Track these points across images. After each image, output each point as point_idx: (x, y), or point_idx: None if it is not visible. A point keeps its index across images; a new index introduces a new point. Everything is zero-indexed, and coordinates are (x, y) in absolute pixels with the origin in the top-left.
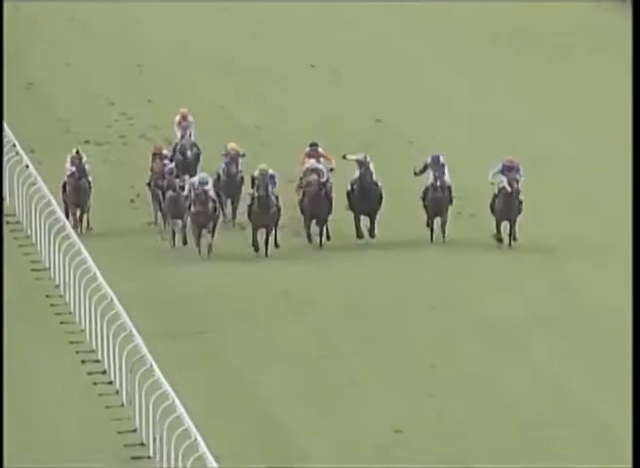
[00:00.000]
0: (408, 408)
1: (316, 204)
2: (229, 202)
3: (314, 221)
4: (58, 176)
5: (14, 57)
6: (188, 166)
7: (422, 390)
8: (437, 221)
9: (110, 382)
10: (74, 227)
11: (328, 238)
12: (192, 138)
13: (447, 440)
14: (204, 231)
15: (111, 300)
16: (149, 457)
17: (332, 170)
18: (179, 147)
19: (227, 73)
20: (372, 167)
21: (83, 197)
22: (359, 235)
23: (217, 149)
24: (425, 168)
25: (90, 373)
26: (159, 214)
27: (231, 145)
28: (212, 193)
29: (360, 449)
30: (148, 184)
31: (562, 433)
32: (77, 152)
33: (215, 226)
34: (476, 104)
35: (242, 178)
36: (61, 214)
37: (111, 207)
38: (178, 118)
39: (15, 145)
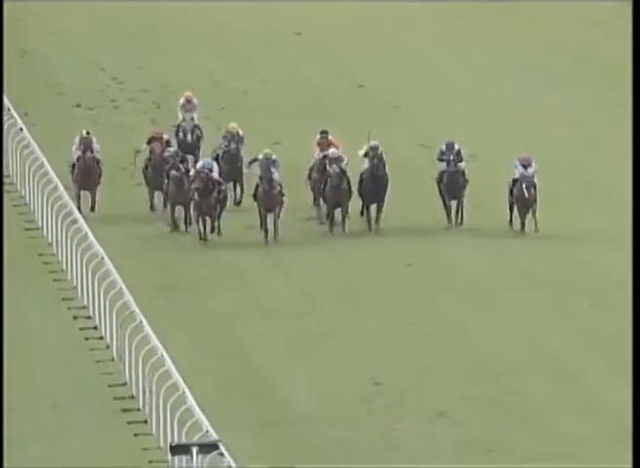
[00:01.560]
0: (387, 361)
1: (337, 194)
2: (232, 185)
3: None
4: (50, 138)
5: (8, 25)
6: (190, 147)
7: (401, 344)
8: (453, 205)
9: (101, 337)
10: (79, 210)
11: (348, 218)
12: (195, 121)
13: (425, 392)
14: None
15: (102, 258)
16: (139, 409)
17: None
18: (181, 129)
19: (216, 40)
20: (384, 156)
21: (92, 180)
22: (369, 222)
23: (207, 114)
24: (442, 155)
25: (82, 329)
26: (155, 199)
27: (232, 125)
28: (215, 176)
29: (341, 401)
30: (144, 169)
31: (536, 384)
32: (88, 133)
33: (220, 213)
34: (459, 70)
35: (242, 159)
36: (54, 175)
37: (104, 175)
38: (182, 101)
39: (9, 109)
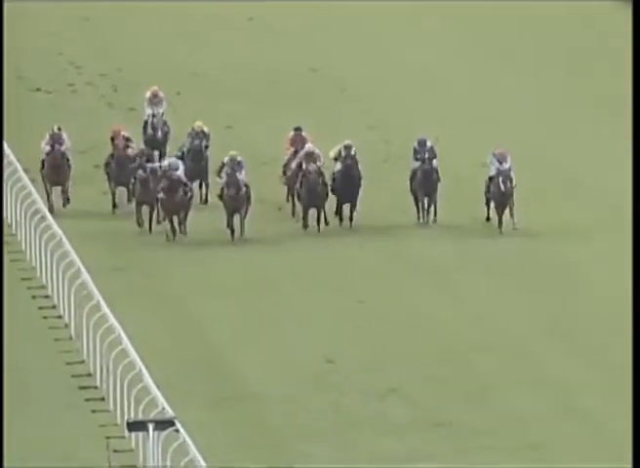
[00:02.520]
0: (339, 340)
1: (314, 193)
2: (197, 183)
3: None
4: (9, 121)
5: None
6: (158, 143)
7: (353, 324)
8: (426, 201)
9: (59, 316)
10: (50, 210)
11: (326, 223)
12: (163, 117)
13: (376, 369)
14: (174, 218)
15: (60, 239)
16: (96, 387)
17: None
18: (149, 125)
19: (171, 24)
20: (353, 151)
21: (62, 175)
22: (341, 220)
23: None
24: (416, 153)
25: (40, 308)
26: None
27: (197, 124)
28: (182, 178)
29: (294, 378)
30: (106, 165)
31: (485, 361)
32: (59, 129)
33: (186, 213)
34: (419, 56)
35: (208, 158)
36: (14, 158)
37: None
38: (148, 95)
39: None
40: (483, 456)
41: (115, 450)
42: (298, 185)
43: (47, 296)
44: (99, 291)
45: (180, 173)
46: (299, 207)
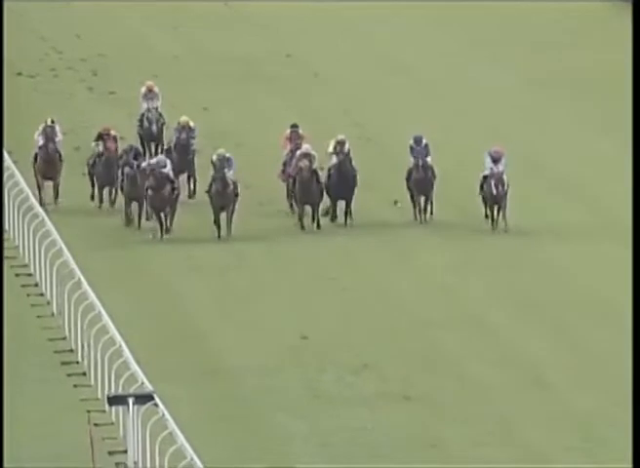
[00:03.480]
0: (314, 316)
1: (308, 190)
2: (184, 177)
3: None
4: None
5: None
6: (154, 137)
7: (327, 301)
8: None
9: (42, 294)
10: (41, 204)
11: (318, 225)
12: (158, 110)
13: (350, 345)
14: (162, 214)
15: (42, 219)
16: (78, 362)
17: None
18: (145, 119)
19: (149, 9)
20: (347, 147)
21: (54, 169)
22: (333, 217)
23: (141, 80)
24: (412, 150)
25: (23, 286)
26: (102, 192)
27: (183, 118)
28: (170, 174)
29: (270, 353)
30: (92, 165)
31: (454, 337)
32: (52, 122)
33: (173, 210)
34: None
35: (194, 152)
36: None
37: None
38: (144, 90)
39: None
40: (450, 428)
41: (96, 424)
42: (291, 183)
43: (29, 275)
44: (79, 269)
45: (168, 170)
46: (295, 206)
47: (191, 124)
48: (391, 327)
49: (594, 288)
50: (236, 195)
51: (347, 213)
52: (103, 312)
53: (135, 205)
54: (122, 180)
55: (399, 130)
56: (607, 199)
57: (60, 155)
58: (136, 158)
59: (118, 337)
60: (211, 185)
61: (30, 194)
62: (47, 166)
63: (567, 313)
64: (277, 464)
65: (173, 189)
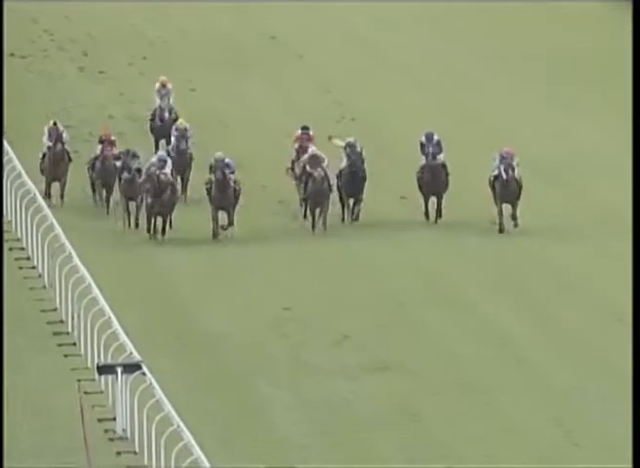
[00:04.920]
0: (296, 289)
1: (320, 197)
2: (179, 178)
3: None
4: None
5: None
6: (166, 132)
7: (310, 275)
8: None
9: (34, 267)
10: (49, 201)
11: (325, 225)
12: (171, 106)
13: (331, 317)
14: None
15: (34, 195)
16: (68, 333)
17: None
18: (158, 113)
19: None
20: (363, 151)
21: (61, 170)
22: (344, 216)
23: (130, 61)
24: (423, 147)
25: (16, 259)
26: (104, 197)
27: (180, 121)
28: (170, 176)
29: (254, 325)
30: (91, 168)
31: (433, 312)
32: (54, 123)
33: (171, 212)
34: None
35: (191, 155)
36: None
37: (36, 118)
38: (157, 86)
39: None
40: (430, 399)
41: (86, 392)
42: (302, 187)
43: (22, 248)
44: (70, 243)
45: (168, 170)
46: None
47: (187, 126)
48: (372, 300)
49: (570, 268)
50: (237, 197)
51: (355, 211)
52: (93, 285)
53: (132, 205)
54: (120, 183)
55: (383, 110)
56: (605, 193)
57: (68, 155)
58: (133, 157)
59: (107, 309)
60: (210, 187)
61: (24, 173)
62: (54, 167)
63: (545, 292)
64: (259, 431)
65: (173, 192)
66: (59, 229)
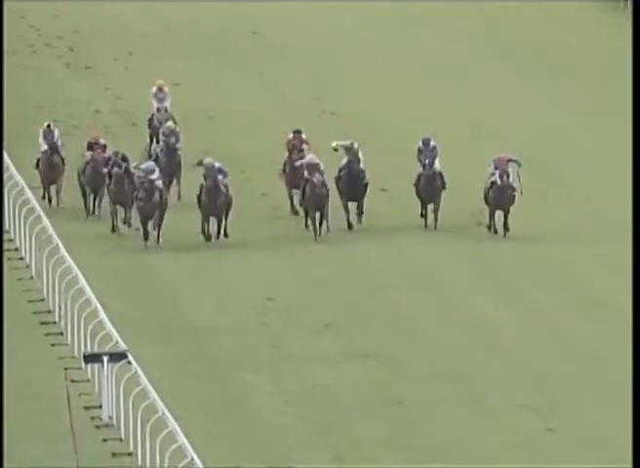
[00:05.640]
0: (278, 279)
1: (319, 201)
2: (172, 181)
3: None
4: None
5: None
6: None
7: (291, 264)
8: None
9: (21, 258)
10: (49, 202)
11: (328, 227)
12: (168, 109)
13: (313, 306)
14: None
15: (22, 187)
16: (55, 322)
17: None
18: (155, 118)
19: None
20: (360, 154)
21: (56, 173)
22: (349, 224)
23: (115, 57)
24: (420, 153)
25: (5, 251)
26: (92, 201)
27: (169, 123)
28: (159, 182)
29: (237, 314)
30: (82, 172)
31: (410, 297)
32: (48, 126)
33: (162, 216)
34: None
35: (180, 156)
36: None
37: (23, 113)
38: (154, 89)
39: None
40: (411, 385)
41: (72, 380)
42: (301, 193)
43: (10, 240)
44: (57, 235)
45: (156, 176)
46: (301, 210)
47: (177, 129)
48: (353, 289)
49: (549, 253)
50: (229, 203)
51: (359, 214)
52: (80, 275)
53: (120, 210)
54: (109, 184)
55: (363, 104)
56: (599, 197)
57: (62, 160)
58: (123, 160)
59: (93, 299)
60: (200, 195)
61: (12, 166)
62: (50, 171)
63: (522, 278)
64: (243, 418)
65: (161, 197)
66: (46, 221)
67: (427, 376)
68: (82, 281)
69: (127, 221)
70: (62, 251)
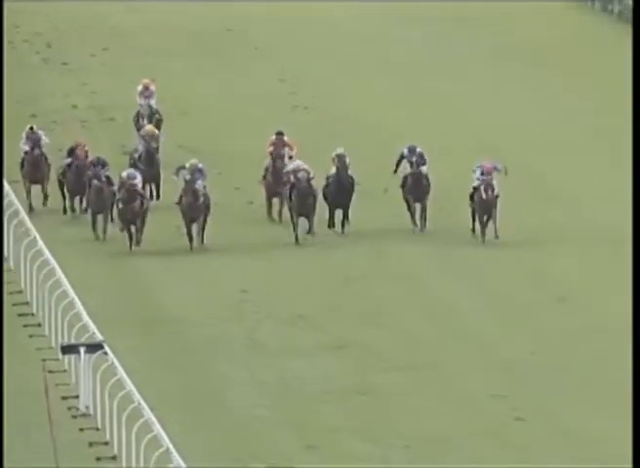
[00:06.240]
0: (252, 271)
1: (304, 203)
2: (153, 185)
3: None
4: None
5: None
6: None
7: (264, 256)
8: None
9: None
10: (30, 209)
11: (313, 233)
12: (154, 107)
13: (286, 298)
14: (132, 227)
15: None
16: (33, 314)
17: (291, 158)
18: (141, 116)
19: None
20: (347, 160)
21: (40, 173)
22: (331, 225)
23: (93, 52)
24: (402, 158)
25: None
26: (71, 201)
27: (148, 127)
28: (139, 188)
29: (212, 305)
30: (62, 175)
31: (384, 289)
32: (31, 128)
33: (143, 222)
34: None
35: (159, 160)
36: None
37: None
38: (140, 88)
39: None
40: (383, 376)
41: (50, 371)
42: (287, 193)
43: None
44: (35, 228)
45: (138, 182)
46: (286, 214)
47: (156, 132)
48: (325, 281)
49: (526, 253)
50: (207, 206)
51: (344, 220)
52: (57, 267)
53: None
54: (88, 193)
55: (336, 99)
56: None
57: (46, 159)
58: (103, 167)
59: (70, 291)
60: (181, 197)
61: None
62: (34, 170)
63: (495, 274)
64: (217, 408)
65: (142, 203)
66: (23, 214)
67: (400, 367)
68: (59, 273)
69: (105, 230)
70: (40, 243)
